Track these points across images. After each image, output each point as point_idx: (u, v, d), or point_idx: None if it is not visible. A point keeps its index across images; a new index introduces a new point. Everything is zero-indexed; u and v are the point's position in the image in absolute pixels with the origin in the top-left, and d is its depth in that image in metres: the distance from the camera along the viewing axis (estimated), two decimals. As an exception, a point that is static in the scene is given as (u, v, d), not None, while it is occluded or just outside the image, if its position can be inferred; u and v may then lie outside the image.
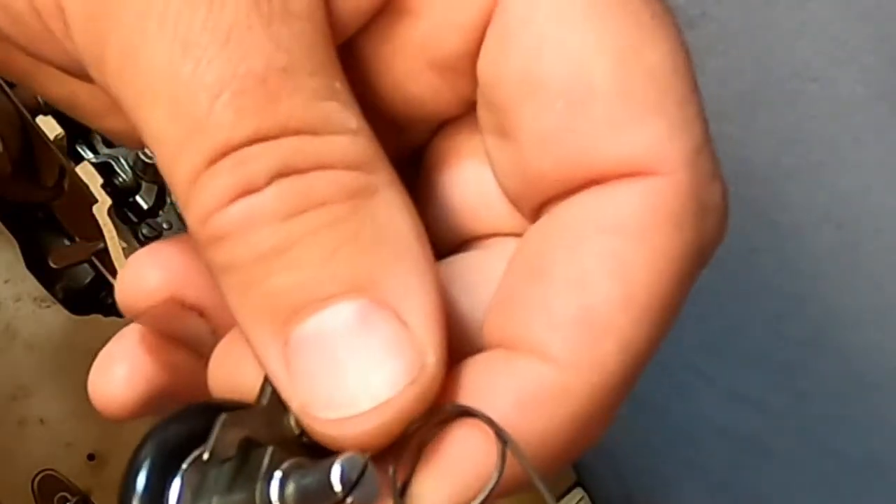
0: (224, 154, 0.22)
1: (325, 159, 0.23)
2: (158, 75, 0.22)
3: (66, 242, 0.59)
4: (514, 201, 0.26)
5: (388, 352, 0.23)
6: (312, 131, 0.23)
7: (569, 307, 0.23)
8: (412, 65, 0.25)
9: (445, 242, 0.27)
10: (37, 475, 0.54)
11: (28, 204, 0.58)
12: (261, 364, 0.23)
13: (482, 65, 0.25)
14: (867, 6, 0.46)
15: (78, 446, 0.55)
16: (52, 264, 0.60)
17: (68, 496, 0.54)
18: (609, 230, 0.23)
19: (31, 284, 0.56)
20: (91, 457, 0.55)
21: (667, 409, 0.65)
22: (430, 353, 0.23)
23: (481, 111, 0.26)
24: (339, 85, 0.23)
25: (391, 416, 0.22)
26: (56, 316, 0.56)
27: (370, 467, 0.22)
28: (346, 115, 0.23)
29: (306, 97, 0.23)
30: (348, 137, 0.23)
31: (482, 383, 0.24)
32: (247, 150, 0.22)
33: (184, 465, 0.23)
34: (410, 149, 0.28)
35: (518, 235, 0.26)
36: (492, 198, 0.26)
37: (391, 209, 0.23)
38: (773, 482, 0.61)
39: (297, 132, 0.23)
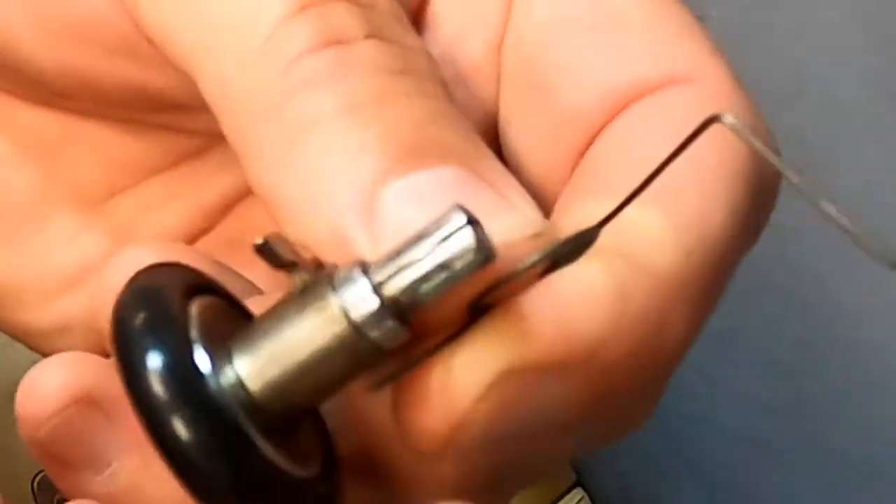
0: (309, 4, 0.20)
1: (413, 41, 0.22)
2: None
3: (66, 242, 0.59)
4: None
5: (495, 216, 0.20)
6: (399, 16, 0.22)
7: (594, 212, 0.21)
8: None
9: None
10: (37, 475, 0.54)
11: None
12: (325, 237, 0.20)
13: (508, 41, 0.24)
14: (867, 7, 0.46)
15: (78, 446, 0.55)
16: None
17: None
18: (661, 135, 0.22)
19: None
20: (91, 457, 0.55)
21: (666, 408, 0.65)
22: (538, 219, 0.21)
23: (505, 89, 0.25)
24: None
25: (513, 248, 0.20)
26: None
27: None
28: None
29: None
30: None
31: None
32: (335, 5, 0.21)
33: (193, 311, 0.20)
34: None
35: None
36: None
37: (457, 109, 0.22)
38: (773, 482, 0.61)
39: (386, 7, 0.22)
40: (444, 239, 0.18)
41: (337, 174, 0.20)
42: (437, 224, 0.18)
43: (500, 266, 0.19)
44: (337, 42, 0.20)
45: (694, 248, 0.22)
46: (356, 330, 0.18)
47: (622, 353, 0.21)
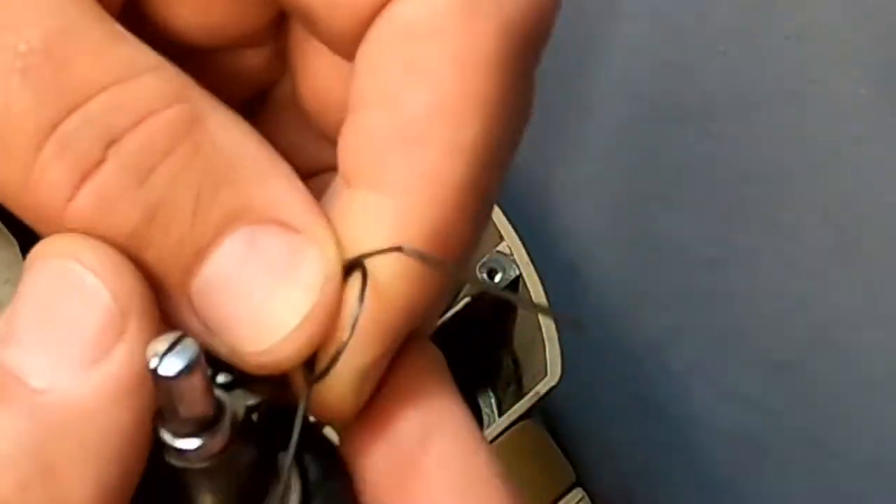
0: (43, 140, 0.21)
1: (144, 105, 0.22)
2: None
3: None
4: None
5: (292, 262, 0.22)
6: (119, 80, 0.22)
7: (384, 130, 0.23)
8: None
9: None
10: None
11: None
12: (169, 312, 0.23)
13: None
14: (867, 7, 0.46)
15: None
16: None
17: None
18: (401, 39, 0.23)
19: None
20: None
21: (667, 409, 0.65)
22: (329, 244, 0.23)
23: (293, 35, 0.26)
24: (121, 28, 0.22)
25: (323, 317, 0.22)
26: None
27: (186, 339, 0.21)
28: (141, 52, 0.22)
29: (97, 48, 0.22)
30: (155, 74, 0.22)
31: (347, 223, 0.23)
32: (64, 127, 0.21)
33: None
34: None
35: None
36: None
37: (227, 128, 0.23)
38: (773, 482, 0.61)
39: (104, 87, 0.22)
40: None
41: (158, 292, 0.23)
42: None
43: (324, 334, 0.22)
44: (86, 173, 0.21)
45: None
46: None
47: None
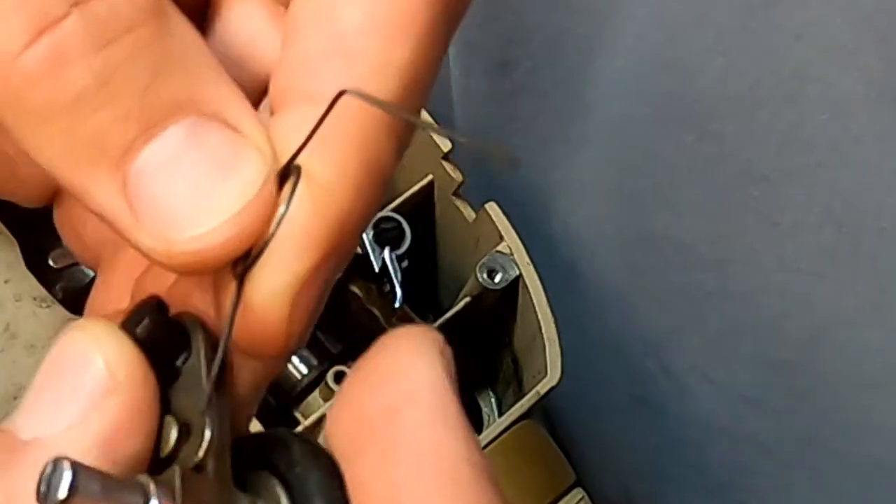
0: None
1: None
2: None
3: (66, 242, 0.58)
4: None
5: (232, 159, 0.23)
6: None
7: (319, 44, 0.24)
8: None
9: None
10: (37, 475, 0.54)
11: (28, 204, 0.58)
12: (100, 214, 0.23)
13: None
14: (868, 7, 0.46)
15: (78, 446, 0.55)
16: (52, 264, 0.60)
17: (68, 496, 0.54)
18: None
19: (31, 284, 0.56)
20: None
21: (666, 409, 0.65)
22: (268, 147, 0.23)
23: None
24: None
25: (258, 213, 0.23)
26: (56, 316, 0.56)
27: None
28: None
29: None
30: None
31: (278, 134, 0.24)
32: None
33: None
34: None
35: None
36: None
37: (184, 26, 0.23)
38: (773, 482, 0.61)
39: None
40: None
41: (81, 171, 0.22)
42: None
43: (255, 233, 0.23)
44: (46, 26, 0.21)
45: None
46: None
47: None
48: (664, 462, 0.67)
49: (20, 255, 0.57)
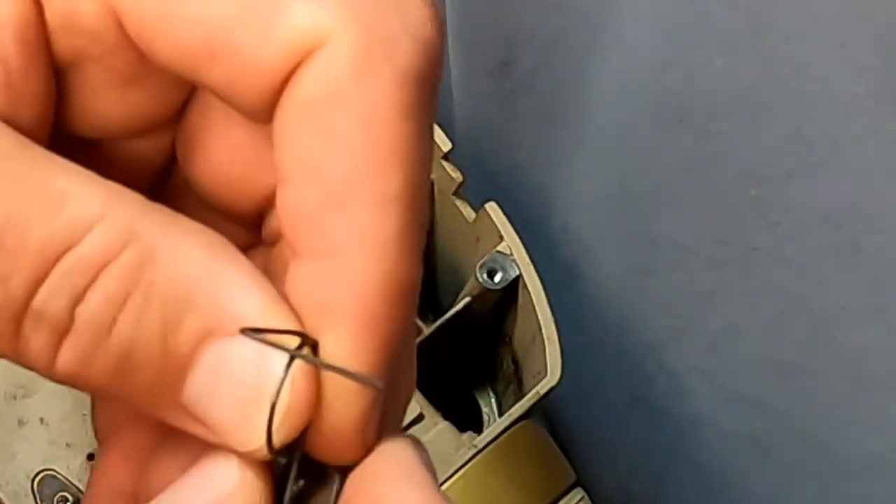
0: (21, 318, 0.24)
1: (97, 261, 0.24)
2: None
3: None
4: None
5: (260, 370, 0.25)
6: (71, 244, 0.24)
7: (315, 200, 0.25)
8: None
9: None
10: (37, 475, 0.54)
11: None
12: (172, 425, 0.25)
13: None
14: (867, 6, 0.46)
15: (78, 446, 0.55)
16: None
17: (68, 496, 0.54)
18: (309, 111, 0.24)
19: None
20: (91, 457, 0.55)
21: (666, 409, 0.65)
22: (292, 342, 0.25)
23: (192, 115, 0.28)
24: (64, 180, 0.24)
25: (291, 415, 0.25)
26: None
27: None
28: (88, 204, 0.24)
29: (48, 221, 0.24)
30: (101, 227, 0.24)
31: (301, 297, 0.25)
32: (35, 303, 0.23)
33: None
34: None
35: None
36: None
37: (177, 251, 0.25)
38: (773, 482, 0.61)
39: (59, 256, 0.23)
40: None
41: (152, 409, 0.26)
42: None
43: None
44: (60, 336, 0.24)
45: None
46: None
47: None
48: (664, 462, 0.67)
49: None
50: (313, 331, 0.25)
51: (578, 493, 0.62)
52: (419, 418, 0.59)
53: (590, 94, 0.60)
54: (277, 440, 0.25)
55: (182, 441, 0.27)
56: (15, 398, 0.53)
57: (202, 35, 0.25)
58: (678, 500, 0.68)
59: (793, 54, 0.49)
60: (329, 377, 0.25)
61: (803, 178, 0.52)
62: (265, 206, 0.29)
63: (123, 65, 0.27)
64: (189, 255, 0.25)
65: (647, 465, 0.69)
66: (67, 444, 0.54)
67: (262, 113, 0.25)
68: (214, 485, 0.25)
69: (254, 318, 0.25)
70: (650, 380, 0.64)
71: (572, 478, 0.63)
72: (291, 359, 0.24)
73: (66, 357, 0.24)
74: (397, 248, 0.25)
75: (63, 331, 0.24)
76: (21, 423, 0.53)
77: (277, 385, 0.24)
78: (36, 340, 0.24)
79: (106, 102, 0.27)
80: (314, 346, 0.25)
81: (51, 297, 0.24)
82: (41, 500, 0.53)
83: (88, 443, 0.54)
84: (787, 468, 0.60)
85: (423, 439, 0.56)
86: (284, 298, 0.25)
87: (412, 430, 0.59)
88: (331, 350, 0.25)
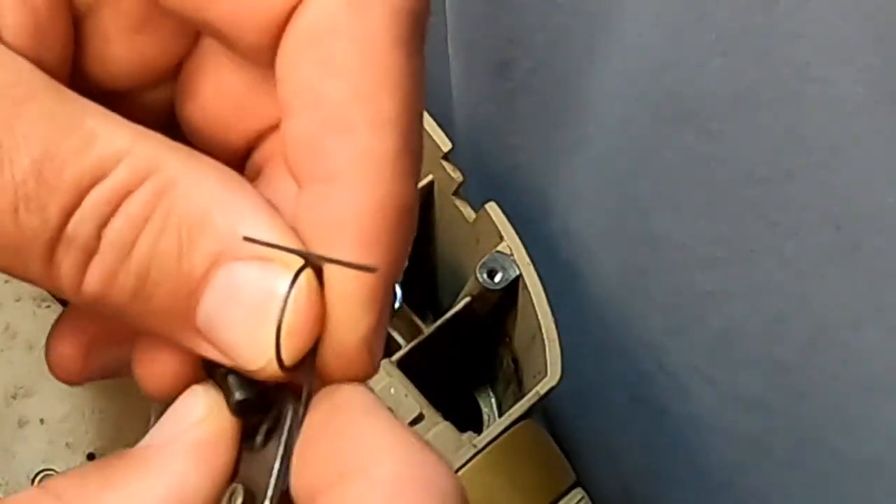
0: (54, 246, 0.26)
1: (122, 190, 0.26)
2: None
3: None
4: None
5: (269, 291, 0.26)
6: (100, 177, 0.26)
7: (315, 126, 0.27)
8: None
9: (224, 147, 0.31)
10: (37, 475, 0.54)
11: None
12: (188, 349, 0.27)
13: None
14: (867, 6, 0.46)
15: (78, 446, 0.55)
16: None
17: (68, 496, 0.54)
18: (309, 43, 0.27)
19: (32, 284, 0.56)
20: (91, 456, 0.55)
21: (666, 409, 0.65)
22: (296, 265, 0.26)
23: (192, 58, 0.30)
24: (92, 120, 0.26)
25: (300, 330, 0.26)
26: (56, 316, 0.56)
27: None
28: (115, 140, 0.26)
29: (80, 156, 0.26)
30: (127, 160, 0.26)
31: (306, 221, 0.27)
32: (67, 231, 0.26)
33: None
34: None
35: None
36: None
37: (197, 181, 0.27)
38: (773, 482, 0.61)
39: (89, 188, 0.26)
40: None
41: (162, 330, 0.28)
42: None
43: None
44: (87, 259, 0.26)
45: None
46: None
47: None
48: (664, 462, 0.67)
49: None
50: (319, 251, 0.27)
51: (578, 493, 0.62)
52: (419, 418, 0.59)
53: (590, 94, 0.60)
54: (286, 357, 0.26)
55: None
56: (15, 398, 0.53)
57: None
58: (678, 500, 0.68)
59: (793, 54, 0.49)
60: (336, 298, 0.27)
61: (803, 178, 0.52)
62: (249, 146, 0.31)
63: (135, 8, 0.29)
64: (206, 184, 0.27)
65: (647, 465, 0.69)
66: (67, 444, 0.54)
67: (263, 52, 0.28)
68: (186, 415, 0.27)
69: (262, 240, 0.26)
70: (650, 380, 0.65)
71: (572, 478, 0.63)
72: (295, 277, 0.26)
73: (93, 277, 0.26)
74: (393, 169, 0.27)
75: (90, 253, 0.26)
76: (21, 423, 0.53)
77: (282, 303, 0.26)
78: (66, 263, 0.26)
79: (117, 48, 0.29)
80: (318, 270, 0.26)
81: (81, 223, 0.26)
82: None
83: (88, 443, 0.54)
84: (787, 468, 0.60)
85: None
86: (290, 226, 0.27)
87: (412, 430, 0.59)
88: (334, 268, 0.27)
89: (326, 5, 0.27)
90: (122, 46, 0.29)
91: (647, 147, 0.59)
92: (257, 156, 0.30)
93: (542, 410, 0.68)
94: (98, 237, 0.26)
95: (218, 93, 0.30)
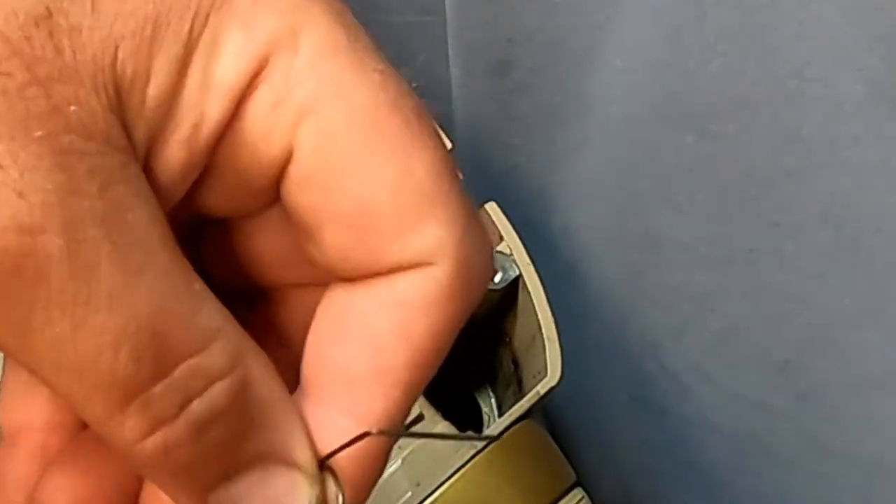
0: (133, 399, 0.25)
1: (213, 372, 0.26)
2: (53, 347, 0.24)
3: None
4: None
5: (291, 495, 0.28)
6: (196, 351, 0.26)
7: (366, 370, 0.28)
8: (223, 198, 0.29)
9: (242, 284, 0.31)
10: (37, 475, 0.53)
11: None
12: None
13: (284, 196, 0.28)
14: (867, 6, 0.46)
15: (78, 446, 0.55)
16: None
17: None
18: (397, 306, 0.28)
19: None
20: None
21: (666, 409, 0.65)
22: (316, 477, 0.28)
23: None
24: (198, 285, 0.26)
25: None
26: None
27: None
28: (212, 314, 0.27)
29: (186, 323, 0.26)
30: (221, 341, 0.26)
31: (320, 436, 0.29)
32: (152, 391, 0.25)
33: None
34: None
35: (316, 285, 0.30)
36: (291, 252, 0.30)
37: (264, 378, 0.28)
38: (773, 482, 0.61)
39: (186, 358, 0.26)
40: None
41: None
42: None
43: None
44: (158, 426, 0.26)
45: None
46: None
47: None
48: (664, 462, 0.67)
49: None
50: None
51: (578, 493, 0.62)
52: (419, 418, 0.59)
53: (590, 94, 0.60)
54: None
55: (87, 451, 0.29)
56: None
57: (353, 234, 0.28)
58: (678, 500, 0.68)
59: (793, 54, 0.49)
60: None
61: (803, 178, 0.52)
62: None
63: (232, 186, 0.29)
64: (270, 380, 0.28)
65: (647, 465, 0.69)
66: (67, 444, 0.54)
67: (336, 273, 0.29)
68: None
69: (298, 453, 0.28)
70: (650, 380, 0.64)
71: (572, 478, 0.63)
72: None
73: (153, 444, 0.26)
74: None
75: (163, 421, 0.26)
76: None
77: None
78: (132, 422, 0.25)
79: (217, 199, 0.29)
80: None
81: (166, 393, 0.25)
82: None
83: (88, 443, 0.54)
84: (787, 468, 0.60)
85: (424, 440, 0.56)
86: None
87: (413, 431, 0.59)
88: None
89: (425, 285, 0.28)
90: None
91: (647, 147, 0.59)
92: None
93: (542, 410, 0.68)
94: (178, 411, 0.26)
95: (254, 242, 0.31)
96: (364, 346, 0.28)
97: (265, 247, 0.31)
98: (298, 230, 0.29)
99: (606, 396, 0.69)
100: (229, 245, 0.31)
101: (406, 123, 0.28)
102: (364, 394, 0.28)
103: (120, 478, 0.29)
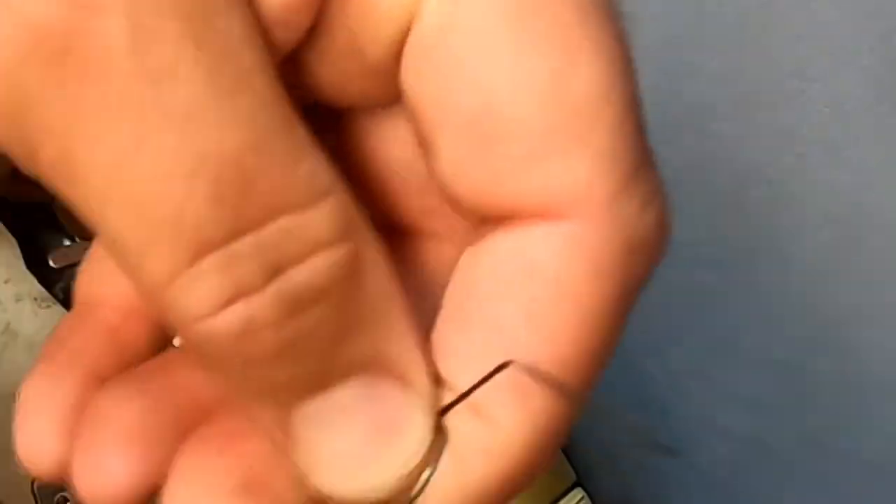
0: (208, 252, 0.19)
1: (314, 239, 0.20)
2: (107, 170, 0.19)
3: (66, 242, 0.58)
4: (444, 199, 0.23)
5: (402, 418, 0.22)
6: (296, 206, 0.20)
7: (494, 362, 0.22)
8: (335, 71, 0.22)
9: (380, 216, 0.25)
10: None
11: (28, 204, 0.58)
12: (268, 434, 0.22)
13: (403, 78, 0.22)
14: (868, 6, 0.46)
15: (78, 446, 0.55)
16: (52, 264, 0.60)
17: (68, 496, 0.54)
18: (527, 275, 0.22)
19: (31, 284, 0.56)
20: (91, 457, 0.55)
21: (667, 409, 0.65)
22: (431, 408, 0.22)
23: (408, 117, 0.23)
24: (304, 134, 0.20)
25: (414, 479, 0.22)
26: (56, 316, 0.56)
27: None
28: (319, 172, 0.20)
29: (283, 166, 0.20)
30: (328, 203, 0.20)
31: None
32: (235, 246, 0.19)
33: None
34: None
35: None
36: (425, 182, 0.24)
37: (377, 272, 0.21)
38: (773, 482, 0.61)
39: (282, 212, 0.20)
40: None
41: (250, 403, 0.22)
42: None
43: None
44: (241, 295, 0.20)
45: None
46: None
47: None
48: (664, 462, 0.67)
49: (20, 255, 0.57)
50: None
51: (578, 494, 0.62)
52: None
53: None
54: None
55: (151, 375, 0.24)
56: (15, 398, 0.53)
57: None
58: (679, 501, 0.68)
59: (793, 54, 0.49)
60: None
61: (803, 178, 0.52)
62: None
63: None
64: (383, 274, 0.22)
65: (647, 465, 0.69)
66: (67, 445, 0.54)
67: (451, 199, 0.23)
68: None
69: (411, 368, 0.22)
70: (650, 380, 0.64)
71: (572, 478, 0.63)
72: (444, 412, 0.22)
73: (230, 318, 0.20)
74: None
75: (245, 291, 0.20)
76: (21, 423, 0.53)
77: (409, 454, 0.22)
78: (208, 285, 0.19)
79: (331, 84, 0.23)
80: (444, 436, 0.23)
81: (254, 252, 0.19)
82: (41, 500, 0.53)
83: (88, 443, 0.54)
84: (786, 468, 0.60)
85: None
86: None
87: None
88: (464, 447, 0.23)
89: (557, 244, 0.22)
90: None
91: (647, 147, 0.59)
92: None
93: (542, 410, 0.68)
94: (266, 279, 0.20)
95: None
96: (490, 334, 0.22)
97: (390, 166, 0.24)
98: (418, 139, 0.22)
99: (606, 396, 0.69)
100: (353, 159, 0.24)
101: (578, 7, 0.21)
102: (496, 396, 0.23)
103: (178, 412, 0.24)
